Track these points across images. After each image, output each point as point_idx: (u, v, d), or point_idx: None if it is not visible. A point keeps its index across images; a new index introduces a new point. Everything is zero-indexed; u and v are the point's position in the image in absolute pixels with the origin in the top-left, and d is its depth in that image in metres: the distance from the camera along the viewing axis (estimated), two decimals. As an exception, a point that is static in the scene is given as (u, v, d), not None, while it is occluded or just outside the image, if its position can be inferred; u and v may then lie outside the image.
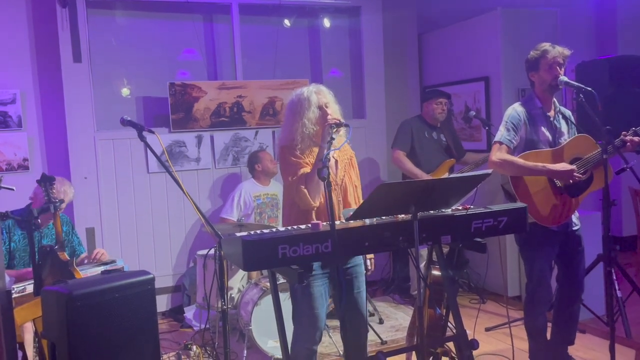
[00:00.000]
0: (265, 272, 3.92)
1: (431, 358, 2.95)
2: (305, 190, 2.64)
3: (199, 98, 4.94)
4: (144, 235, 4.89)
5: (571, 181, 3.02)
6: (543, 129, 3.12)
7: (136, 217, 4.86)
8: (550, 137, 3.13)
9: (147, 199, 4.89)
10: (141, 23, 5.09)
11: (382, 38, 5.57)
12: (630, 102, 4.52)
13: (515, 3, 5.37)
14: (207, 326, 4.06)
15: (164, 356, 3.91)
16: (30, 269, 3.16)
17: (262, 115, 5.16)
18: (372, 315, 4.54)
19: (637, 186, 4.58)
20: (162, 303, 4.88)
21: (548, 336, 3.29)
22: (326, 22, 5.58)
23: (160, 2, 5.02)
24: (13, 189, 3.09)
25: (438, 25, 5.80)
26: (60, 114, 4.67)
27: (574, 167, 3.02)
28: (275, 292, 2.61)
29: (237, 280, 4.03)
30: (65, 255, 3.15)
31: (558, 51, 3.05)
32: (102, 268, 3.23)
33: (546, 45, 3.08)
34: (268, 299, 3.71)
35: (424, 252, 3.54)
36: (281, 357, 2.67)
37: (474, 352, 2.62)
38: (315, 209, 2.68)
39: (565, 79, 3.04)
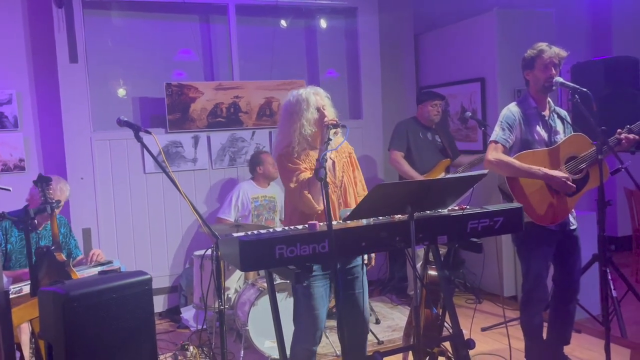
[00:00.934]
0: (262, 272, 3.92)
1: (427, 358, 2.95)
2: (309, 195, 2.63)
3: (195, 98, 4.94)
4: (141, 236, 4.89)
5: (570, 191, 3.03)
6: (538, 128, 3.14)
7: (133, 217, 4.86)
8: (545, 137, 3.14)
9: (143, 200, 4.88)
10: (137, 23, 5.08)
11: (378, 39, 5.58)
12: (625, 103, 4.53)
13: (511, 4, 5.39)
14: (204, 327, 4.06)
15: (161, 357, 3.91)
16: (27, 270, 3.15)
17: (259, 115, 5.17)
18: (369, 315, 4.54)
19: (632, 187, 4.60)
20: (159, 303, 4.87)
21: (544, 336, 3.30)
22: (323, 23, 5.59)
23: (157, 3, 5.02)
24: (9, 190, 3.08)
25: (434, 26, 5.82)
26: (57, 115, 4.66)
27: (568, 176, 3.03)
28: (272, 292, 2.62)
29: (234, 281, 4.03)
30: (61, 256, 3.14)
31: (554, 52, 3.06)
32: (99, 269, 3.22)
33: (543, 45, 3.09)
34: (265, 300, 3.71)
35: (420, 252, 3.55)
36: (278, 357, 2.67)
37: (470, 352, 2.63)
38: (319, 212, 2.67)
39: (561, 79, 3.06)
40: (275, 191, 4.70)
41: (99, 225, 4.75)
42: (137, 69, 5.06)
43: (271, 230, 2.44)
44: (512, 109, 3.16)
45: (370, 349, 3.76)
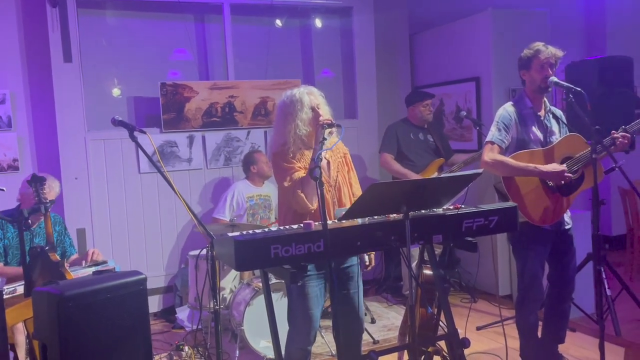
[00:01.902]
0: (257, 272, 3.92)
1: (423, 357, 2.96)
2: (302, 195, 2.63)
3: (190, 98, 4.93)
4: (136, 236, 4.88)
5: (563, 182, 3.05)
6: (534, 128, 3.14)
7: (127, 217, 4.84)
8: (541, 137, 3.15)
9: (138, 200, 4.87)
10: (132, 23, 5.07)
11: (373, 38, 5.59)
12: (619, 103, 4.56)
13: (505, 4, 5.40)
14: (199, 327, 4.06)
15: (156, 357, 3.90)
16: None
17: (254, 115, 5.16)
18: (364, 314, 4.54)
19: (626, 186, 4.62)
20: (154, 304, 4.86)
21: (539, 335, 3.31)
22: (318, 23, 5.58)
23: (152, 2, 5.01)
24: (4, 190, 3.07)
25: (429, 25, 5.82)
26: (51, 114, 4.64)
27: (564, 167, 3.04)
28: (267, 292, 2.61)
29: (229, 281, 4.03)
30: (56, 256, 3.13)
31: (551, 52, 3.07)
32: (94, 269, 3.21)
33: (539, 45, 3.10)
34: (260, 299, 3.71)
35: (415, 251, 3.56)
36: (273, 357, 2.67)
37: (465, 351, 2.64)
38: (313, 211, 2.67)
39: (555, 79, 3.07)
40: (270, 190, 4.70)
41: (94, 225, 4.73)
42: (132, 68, 5.04)
43: (266, 229, 2.44)
44: (508, 109, 3.17)
45: (365, 348, 3.77)
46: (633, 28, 6.32)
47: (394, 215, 2.43)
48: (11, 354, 3.08)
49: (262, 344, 3.74)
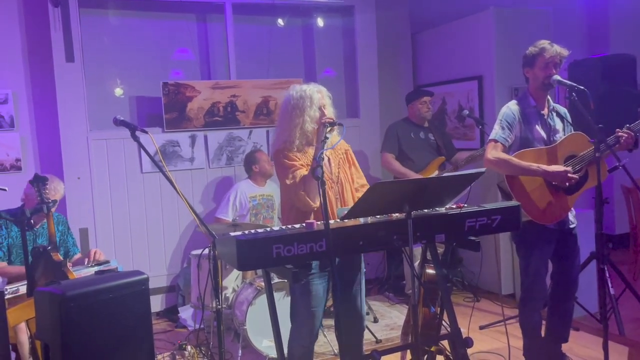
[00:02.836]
0: (259, 271, 3.92)
1: (425, 356, 2.95)
2: (304, 193, 2.63)
3: (192, 98, 4.93)
4: (138, 236, 4.88)
5: (567, 184, 3.03)
6: (537, 127, 3.13)
7: (130, 217, 4.85)
8: (544, 135, 3.14)
9: (140, 199, 4.87)
10: (134, 22, 5.07)
11: (375, 37, 5.58)
12: (622, 101, 4.54)
13: (508, 2, 5.39)
14: (202, 326, 4.06)
15: (159, 356, 3.90)
16: (27, 267, 3.15)
17: (256, 114, 5.16)
18: (367, 314, 4.54)
19: (630, 184, 4.61)
20: (157, 303, 4.86)
21: (542, 334, 3.30)
22: (320, 22, 5.58)
23: (154, 2, 5.01)
24: (6, 190, 3.07)
25: (431, 24, 5.81)
26: (53, 114, 4.65)
27: (568, 168, 3.02)
28: (269, 291, 2.61)
29: (232, 280, 4.03)
30: (58, 256, 3.14)
31: (556, 51, 3.05)
32: (96, 268, 3.21)
33: (545, 43, 3.08)
34: (263, 299, 3.71)
35: (418, 250, 3.55)
36: (276, 356, 2.67)
37: (469, 350, 2.63)
38: (315, 209, 2.67)
39: (558, 77, 3.06)
40: (272, 189, 4.69)
41: (96, 225, 4.74)
42: (134, 68, 5.04)
43: (268, 229, 2.44)
44: (511, 107, 3.16)
45: (368, 347, 3.76)
46: (636, 26, 6.30)
47: (397, 214, 2.42)
48: (13, 354, 3.09)
49: (265, 344, 3.74)
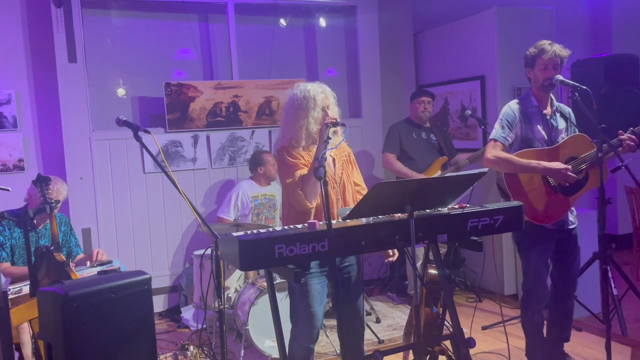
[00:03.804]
0: (262, 271, 3.92)
1: (428, 357, 2.95)
2: (301, 192, 2.63)
3: (195, 98, 4.94)
4: (141, 236, 4.89)
5: (567, 183, 3.03)
6: (539, 127, 3.13)
7: (132, 217, 4.85)
8: (545, 136, 3.13)
9: (143, 199, 4.88)
10: (136, 23, 5.08)
11: (377, 37, 5.58)
12: (625, 101, 4.53)
13: (510, 1, 5.38)
14: (204, 326, 4.06)
15: (161, 356, 3.90)
16: (28, 268, 3.16)
17: (259, 114, 5.16)
18: (369, 314, 4.54)
19: (633, 184, 4.60)
20: (159, 303, 4.87)
21: (544, 334, 3.30)
22: (322, 22, 5.58)
23: (156, 2, 5.01)
24: (9, 190, 3.08)
25: (434, 24, 5.81)
26: (56, 115, 4.66)
27: (568, 166, 3.02)
28: (272, 291, 2.61)
29: (234, 280, 4.03)
30: (61, 256, 3.14)
31: (555, 52, 3.03)
32: (99, 268, 3.22)
33: (545, 44, 3.07)
34: (265, 299, 3.71)
35: (420, 251, 3.55)
36: (278, 356, 2.67)
37: (471, 351, 2.63)
38: (313, 209, 2.67)
39: (561, 77, 3.05)
40: (275, 189, 4.69)
41: (99, 225, 4.74)
42: (136, 68, 5.05)
43: (270, 229, 2.44)
44: (512, 107, 3.15)
45: (370, 348, 3.77)
46: (639, 26, 6.28)
47: (399, 214, 2.42)
48: (16, 354, 3.09)
49: (267, 344, 3.74)
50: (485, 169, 2.50)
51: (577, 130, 3.22)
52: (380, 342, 4.04)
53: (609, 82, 4.55)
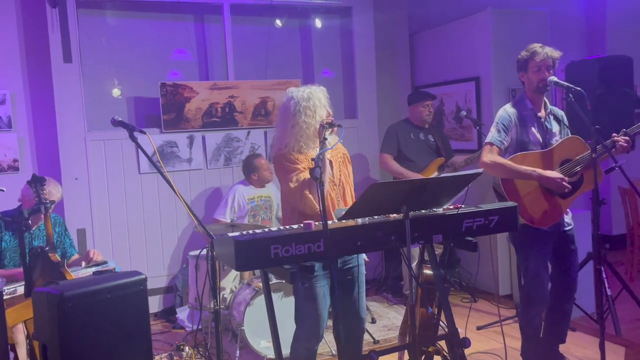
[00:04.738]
0: (257, 272, 3.92)
1: (423, 357, 2.96)
2: (310, 196, 2.64)
3: (190, 98, 4.93)
4: (136, 236, 4.88)
5: (565, 190, 3.04)
6: (533, 130, 3.14)
7: (128, 217, 4.84)
8: (540, 139, 3.14)
9: (138, 200, 4.87)
10: (132, 23, 5.07)
11: (373, 38, 5.59)
12: (619, 102, 4.56)
13: (505, 3, 5.40)
14: (200, 327, 4.06)
15: (157, 357, 3.90)
16: (21, 269, 3.14)
17: (254, 115, 5.16)
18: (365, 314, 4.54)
19: (627, 185, 4.62)
20: (154, 304, 4.86)
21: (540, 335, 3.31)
22: (318, 23, 5.58)
23: (151, 2, 5.00)
24: (4, 190, 3.07)
25: (429, 25, 5.82)
26: (51, 115, 4.64)
27: (564, 177, 3.03)
28: (267, 292, 2.61)
29: (230, 281, 4.03)
30: (56, 257, 3.13)
31: (546, 54, 3.05)
32: (94, 269, 3.21)
33: (536, 47, 3.09)
34: (261, 299, 3.71)
35: (415, 251, 3.55)
36: (274, 357, 2.67)
37: (466, 351, 2.63)
38: (319, 212, 2.67)
39: (555, 79, 3.06)
40: (271, 190, 4.70)
41: (94, 225, 4.73)
42: (132, 68, 5.04)
43: (266, 230, 2.44)
44: (508, 110, 3.16)
45: (366, 348, 3.76)
46: (633, 27, 6.31)
47: (394, 215, 2.43)
48: (11, 355, 3.08)
49: (263, 344, 3.74)
50: (480, 170, 2.51)
51: (570, 132, 3.23)
52: (376, 342, 4.04)
53: (603, 84, 4.57)
